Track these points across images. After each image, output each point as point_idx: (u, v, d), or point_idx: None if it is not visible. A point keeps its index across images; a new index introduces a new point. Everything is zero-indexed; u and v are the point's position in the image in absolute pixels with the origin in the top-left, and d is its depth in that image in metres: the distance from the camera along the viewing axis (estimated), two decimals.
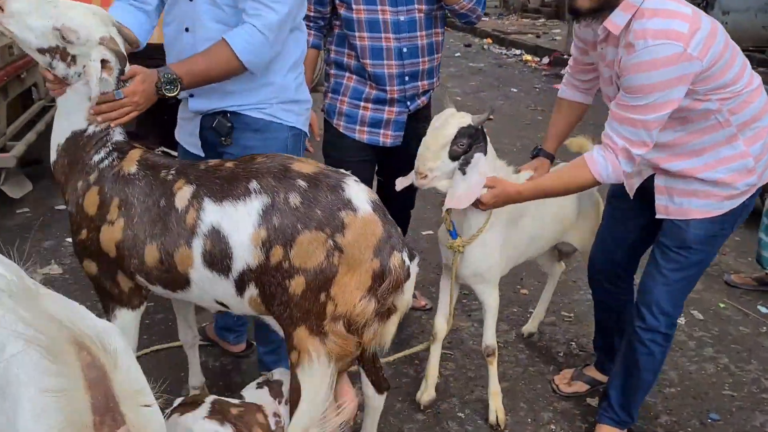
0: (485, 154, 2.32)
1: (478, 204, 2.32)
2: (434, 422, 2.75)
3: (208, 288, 1.99)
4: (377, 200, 1.98)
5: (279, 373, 2.25)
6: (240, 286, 1.97)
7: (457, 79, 9.62)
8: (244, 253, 1.91)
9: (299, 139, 2.47)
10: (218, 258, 1.94)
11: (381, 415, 2.72)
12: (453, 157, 2.28)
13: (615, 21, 2.10)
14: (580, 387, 2.92)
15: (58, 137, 2.09)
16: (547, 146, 2.62)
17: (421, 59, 2.79)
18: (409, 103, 2.79)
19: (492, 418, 2.69)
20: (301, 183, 1.92)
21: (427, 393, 2.79)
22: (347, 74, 2.76)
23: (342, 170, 2.02)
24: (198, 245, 1.94)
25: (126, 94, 2.03)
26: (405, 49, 2.72)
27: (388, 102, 2.75)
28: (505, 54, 11.64)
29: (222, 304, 2.07)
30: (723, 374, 3.16)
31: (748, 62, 2.25)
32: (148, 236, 1.97)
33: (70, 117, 2.06)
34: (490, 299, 2.65)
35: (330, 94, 2.83)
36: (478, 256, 2.53)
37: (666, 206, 2.35)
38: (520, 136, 6.78)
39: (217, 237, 1.93)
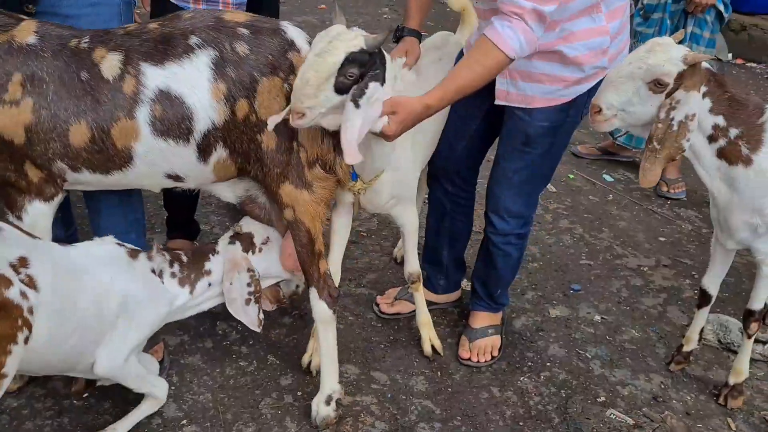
0: (383, 82, 1.80)
1: (384, 137, 1.87)
2: (302, 324, 2.56)
3: (160, 161, 1.85)
4: (308, 38, 1.93)
5: (246, 225, 2.19)
6: (204, 150, 1.86)
7: None
8: (207, 112, 1.81)
9: (130, 8, 2.11)
10: (174, 123, 1.80)
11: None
12: (340, 89, 1.74)
13: None
14: (404, 307, 2.63)
15: None
16: (412, 23, 2.20)
17: None
18: None
19: (427, 349, 2.44)
20: (243, 31, 1.84)
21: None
22: None
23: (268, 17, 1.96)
24: (144, 113, 1.78)
25: None
26: None
27: None
28: None
29: (175, 177, 1.92)
30: (579, 244, 3.24)
31: None
32: (72, 114, 1.75)
33: None
34: (409, 219, 2.34)
35: None
36: (390, 182, 2.16)
37: (507, 91, 2.10)
38: (360, 13, 6.45)
39: (168, 100, 1.79)
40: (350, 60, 1.70)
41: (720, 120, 2.00)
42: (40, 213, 1.89)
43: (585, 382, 2.41)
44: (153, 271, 2.03)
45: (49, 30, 1.77)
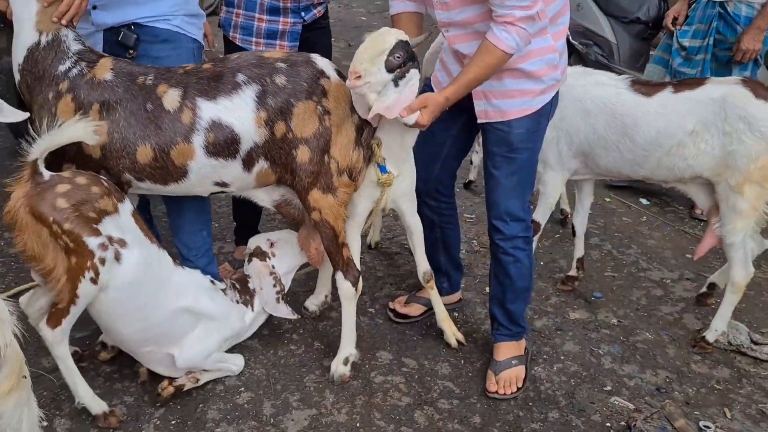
0: (420, 71, 2.29)
1: (418, 126, 2.29)
2: None
3: (211, 173, 2.28)
4: (337, 68, 2.38)
5: (250, 243, 2.72)
6: (248, 163, 2.28)
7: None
8: (251, 135, 2.23)
9: (200, 52, 2.59)
10: (224, 146, 2.22)
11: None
12: (389, 68, 2.19)
13: None
14: (417, 309, 2.95)
15: (17, 57, 2.20)
16: None
17: None
18: (303, 13, 2.82)
19: (453, 342, 2.76)
20: (281, 65, 2.26)
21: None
22: None
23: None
24: (199, 139, 2.20)
25: None
26: None
27: (281, 12, 2.77)
28: None
29: (222, 184, 2.34)
30: (606, 258, 3.50)
31: None
32: (139, 137, 2.18)
33: (21, 31, 2.18)
34: (417, 220, 2.68)
35: (225, 8, 2.83)
36: (408, 176, 2.57)
37: (486, 111, 2.42)
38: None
39: (219, 129, 2.20)
40: (398, 45, 2.19)
41: None
42: None
43: (594, 374, 2.68)
44: (231, 299, 2.59)
45: (122, 67, 2.22)
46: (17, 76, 2.21)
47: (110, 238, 2.12)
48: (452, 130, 2.62)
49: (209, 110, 2.19)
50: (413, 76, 2.24)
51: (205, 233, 2.68)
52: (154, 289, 2.28)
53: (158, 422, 2.34)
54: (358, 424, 2.38)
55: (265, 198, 2.48)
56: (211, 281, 2.55)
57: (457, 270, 3.00)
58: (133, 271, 2.18)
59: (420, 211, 2.77)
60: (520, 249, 2.56)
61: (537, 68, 2.33)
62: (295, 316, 2.63)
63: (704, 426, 2.41)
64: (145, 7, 2.36)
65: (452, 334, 2.78)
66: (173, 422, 2.35)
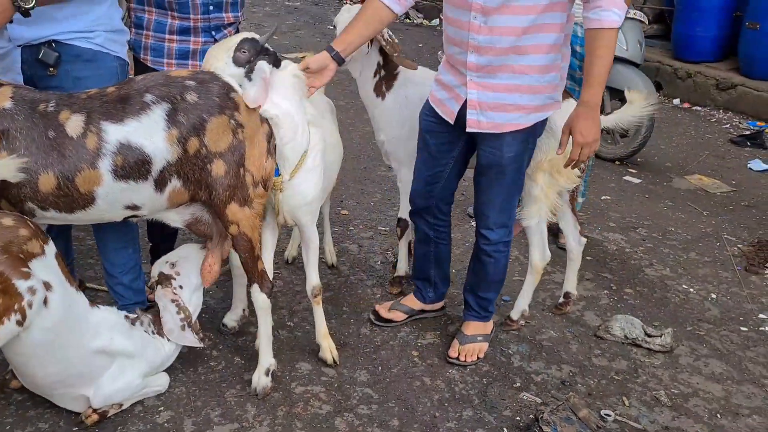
0: (272, 64, 2.40)
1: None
2: None
3: (120, 197, 2.24)
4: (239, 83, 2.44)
5: (156, 269, 2.63)
6: (161, 183, 2.25)
7: (273, 18, 9.59)
8: (163, 154, 2.20)
9: (125, 69, 2.58)
10: (134, 168, 2.19)
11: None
12: (238, 63, 2.37)
13: None
14: (397, 315, 3.07)
15: None
16: (338, 47, 2.59)
17: None
18: (214, 32, 2.85)
19: (329, 357, 2.79)
20: (190, 82, 2.25)
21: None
22: (147, 8, 2.77)
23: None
24: (106, 164, 2.15)
25: None
26: None
27: (192, 32, 2.80)
28: None
29: (133, 207, 2.29)
30: (514, 264, 3.68)
31: None
32: (41, 166, 2.12)
33: None
34: (314, 234, 2.71)
35: (134, 29, 2.84)
36: (305, 185, 2.58)
37: (478, 120, 2.51)
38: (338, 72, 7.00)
39: (129, 150, 2.17)
40: (244, 41, 2.39)
41: None
42: None
43: (505, 372, 2.83)
44: (146, 332, 2.55)
45: (23, 95, 2.15)
46: None
47: (38, 281, 2.08)
48: (454, 152, 2.74)
49: (116, 133, 2.16)
50: (261, 67, 2.36)
51: (131, 250, 2.69)
52: (73, 331, 2.25)
53: None
54: None
55: (177, 218, 2.47)
56: (126, 316, 2.52)
57: (444, 282, 3.11)
58: (55, 314, 2.14)
59: (418, 227, 2.96)
60: (500, 252, 2.79)
61: (537, 83, 2.43)
62: (200, 345, 2.58)
63: (605, 414, 2.60)
64: (66, 23, 2.30)
65: (329, 349, 2.81)
66: None
